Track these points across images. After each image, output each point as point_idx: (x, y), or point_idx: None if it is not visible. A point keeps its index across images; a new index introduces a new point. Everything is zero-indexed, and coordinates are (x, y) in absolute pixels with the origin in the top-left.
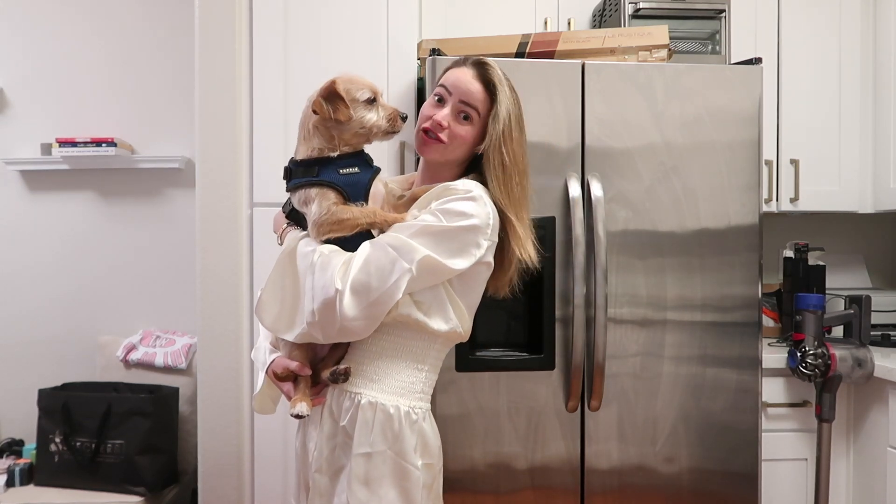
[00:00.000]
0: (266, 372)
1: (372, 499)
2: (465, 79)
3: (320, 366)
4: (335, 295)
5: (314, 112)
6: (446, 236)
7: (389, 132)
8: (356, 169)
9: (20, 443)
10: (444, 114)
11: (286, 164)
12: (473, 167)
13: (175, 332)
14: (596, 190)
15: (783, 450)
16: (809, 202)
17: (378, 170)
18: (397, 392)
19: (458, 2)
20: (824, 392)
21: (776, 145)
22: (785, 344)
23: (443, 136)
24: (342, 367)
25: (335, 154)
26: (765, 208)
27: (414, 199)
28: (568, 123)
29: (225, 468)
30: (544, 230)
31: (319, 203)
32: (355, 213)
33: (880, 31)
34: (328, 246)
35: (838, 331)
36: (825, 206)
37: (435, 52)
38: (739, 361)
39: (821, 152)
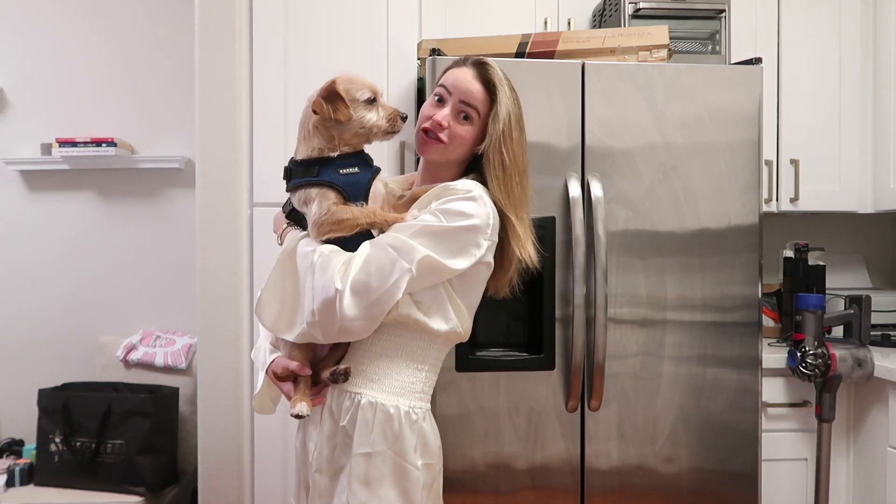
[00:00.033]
0: (266, 372)
1: (372, 499)
2: (466, 79)
3: (320, 366)
4: (335, 295)
5: (314, 112)
6: (446, 236)
7: (389, 132)
8: (356, 169)
9: (20, 443)
10: (444, 114)
11: (286, 164)
12: (473, 167)
13: (175, 332)
14: (596, 190)
15: (783, 450)
16: (809, 202)
17: (378, 170)
18: (397, 392)
19: (458, 2)
20: (824, 392)
21: (776, 145)
22: (785, 344)
23: (443, 136)
24: (342, 367)
25: (335, 154)
26: (765, 208)
27: (414, 199)
28: (568, 123)
29: (225, 468)
30: (544, 230)
31: (319, 203)
32: (355, 213)
33: (880, 31)
34: (328, 246)
35: (838, 331)
36: (825, 206)
37: (435, 52)
38: (739, 361)
39: (821, 152)
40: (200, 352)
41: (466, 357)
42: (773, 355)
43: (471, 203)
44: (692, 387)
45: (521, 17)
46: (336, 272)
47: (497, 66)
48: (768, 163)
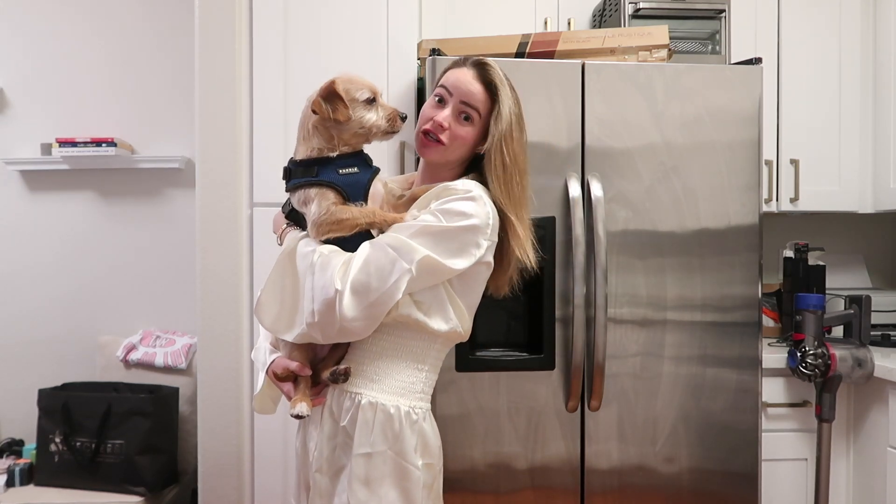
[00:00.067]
0: (266, 372)
1: (372, 499)
2: (466, 79)
3: (320, 366)
4: (335, 295)
5: (313, 112)
6: (446, 236)
7: (389, 132)
8: (355, 169)
9: (20, 443)
10: (444, 115)
11: (285, 165)
12: (473, 167)
13: (175, 332)
14: (596, 190)
15: (783, 450)
16: (809, 202)
17: (377, 170)
18: (397, 392)
19: (458, 2)
20: (824, 392)
21: (776, 145)
22: (785, 344)
23: (443, 137)
24: (342, 367)
25: (334, 154)
26: (765, 208)
27: (413, 199)
28: (568, 123)
29: (225, 468)
30: (544, 230)
31: (319, 203)
32: (354, 213)
33: (880, 31)
34: (328, 246)
35: (838, 331)
36: (825, 206)
37: (435, 52)
38: (739, 361)
39: (821, 152)
40: (200, 352)
41: (466, 357)
42: (773, 355)
43: (470, 203)
44: (692, 387)
45: (521, 17)
46: (336, 272)
47: (497, 67)
48: (768, 163)
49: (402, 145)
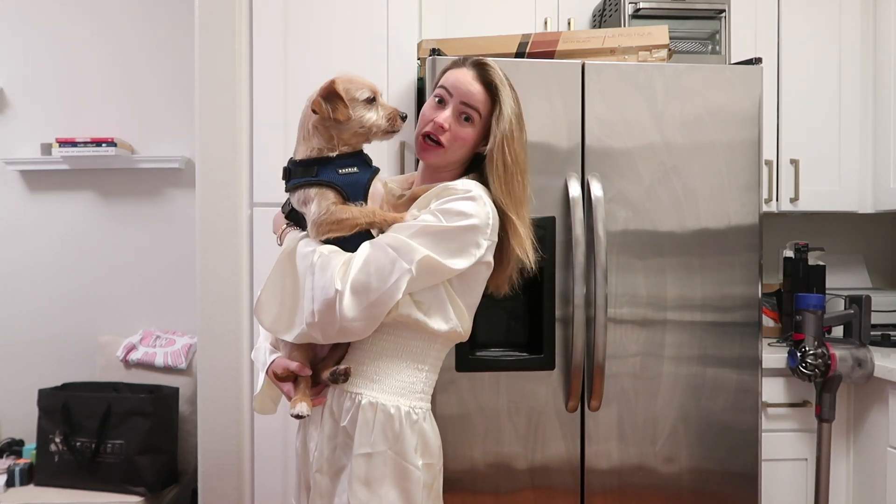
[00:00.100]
0: (266, 372)
1: (372, 499)
2: (466, 80)
3: (320, 366)
4: (335, 295)
5: (313, 112)
6: (446, 236)
7: (389, 131)
8: (355, 169)
9: (20, 443)
10: (445, 115)
11: (285, 165)
12: (473, 167)
13: (175, 332)
14: (596, 190)
15: (783, 450)
16: (809, 202)
17: (377, 170)
18: (398, 392)
19: (458, 2)
20: (824, 392)
21: (776, 145)
22: (785, 344)
23: (444, 138)
24: (342, 367)
25: (334, 154)
26: (765, 208)
27: (413, 198)
28: (568, 123)
29: (225, 468)
30: (544, 230)
31: (318, 203)
32: (354, 213)
33: (880, 31)
34: (328, 246)
35: (838, 331)
36: (825, 206)
37: (435, 52)
38: (739, 361)
39: (821, 152)
40: (200, 352)
41: (466, 357)
42: (773, 355)
43: (470, 203)
44: (692, 387)
45: (521, 17)
46: (336, 273)
47: (497, 66)
48: (768, 163)
49: (402, 145)
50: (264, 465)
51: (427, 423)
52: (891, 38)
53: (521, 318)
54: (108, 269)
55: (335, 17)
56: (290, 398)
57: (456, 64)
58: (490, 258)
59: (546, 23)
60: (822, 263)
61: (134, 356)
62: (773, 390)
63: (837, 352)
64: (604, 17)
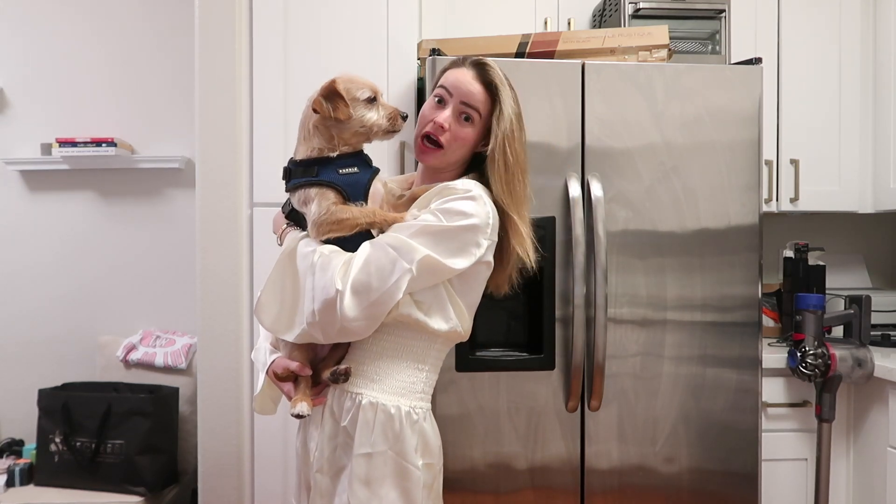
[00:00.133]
0: (266, 372)
1: (373, 499)
2: (466, 80)
3: (321, 366)
4: (335, 295)
5: (314, 111)
6: (446, 236)
7: (390, 131)
8: (355, 169)
9: (20, 443)
10: (445, 116)
11: (285, 165)
12: (473, 167)
13: (175, 332)
14: (596, 190)
15: (783, 450)
16: (809, 202)
17: (377, 170)
18: (398, 392)
19: (458, 2)
20: (824, 392)
21: (776, 145)
22: (785, 344)
23: (444, 138)
24: (343, 367)
25: (335, 154)
26: (765, 208)
27: (413, 198)
28: (568, 123)
29: (225, 468)
30: (544, 230)
31: (319, 203)
32: (355, 213)
33: (880, 31)
34: (328, 246)
35: (838, 331)
36: (825, 206)
37: (435, 52)
38: (739, 361)
39: (821, 152)
40: (200, 352)
41: (466, 357)
42: (773, 355)
43: (470, 202)
44: (692, 387)
45: (521, 17)
46: (336, 272)
47: (496, 66)
48: (768, 163)
49: (402, 145)
50: (264, 465)
51: (427, 423)
52: (891, 38)
53: (521, 318)
54: (108, 269)
55: (335, 17)
56: (290, 398)
57: (455, 64)
58: (490, 258)
59: (546, 23)
60: (822, 263)
61: (134, 356)
62: (773, 390)
63: (837, 352)
64: (604, 17)
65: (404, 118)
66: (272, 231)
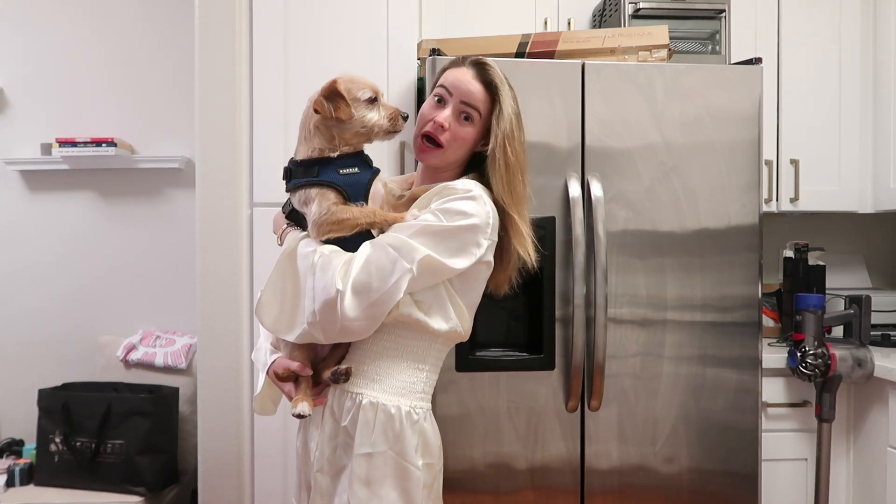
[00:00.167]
0: (267, 372)
1: (373, 499)
2: (466, 79)
3: (321, 366)
4: (336, 295)
5: (315, 111)
6: (446, 236)
7: (391, 131)
8: (356, 169)
9: (20, 443)
10: (445, 115)
11: (286, 165)
12: (473, 167)
13: (175, 332)
14: (596, 190)
15: (783, 450)
16: (809, 202)
17: (378, 170)
18: (398, 392)
19: (458, 2)
20: (824, 392)
21: (776, 145)
22: (785, 344)
23: (443, 138)
24: (343, 367)
25: (335, 154)
26: (765, 208)
27: (414, 198)
28: (568, 123)
29: (225, 468)
30: (544, 230)
31: (319, 203)
32: (355, 213)
33: (880, 31)
34: (328, 246)
35: (838, 331)
36: (825, 206)
37: (435, 52)
38: (739, 361)
39: (821, 152)
40: (200, 352)
41: (466, 357)
42: (773, 355)
43: (471, 202)
44: (692, 387)
45: (521, 17)
46: (337, 273)
47: (496, 66)
48: (768, 163)
49: (403, 145)
50: (264, 465)
51: (427, 422)
52: (891, 38)
53: (521, 318)
54: (108, 269)
55: (335, 17)
56: (290, 398)
57: (455, 63)
58: (490, 258)
59: (546, 23)
60: (822, 263)
61: (134, 356)
62: (773, 390)
63: (837, 352)
64: (604, 17)
65: (405, 118)
66: (272, 231)
